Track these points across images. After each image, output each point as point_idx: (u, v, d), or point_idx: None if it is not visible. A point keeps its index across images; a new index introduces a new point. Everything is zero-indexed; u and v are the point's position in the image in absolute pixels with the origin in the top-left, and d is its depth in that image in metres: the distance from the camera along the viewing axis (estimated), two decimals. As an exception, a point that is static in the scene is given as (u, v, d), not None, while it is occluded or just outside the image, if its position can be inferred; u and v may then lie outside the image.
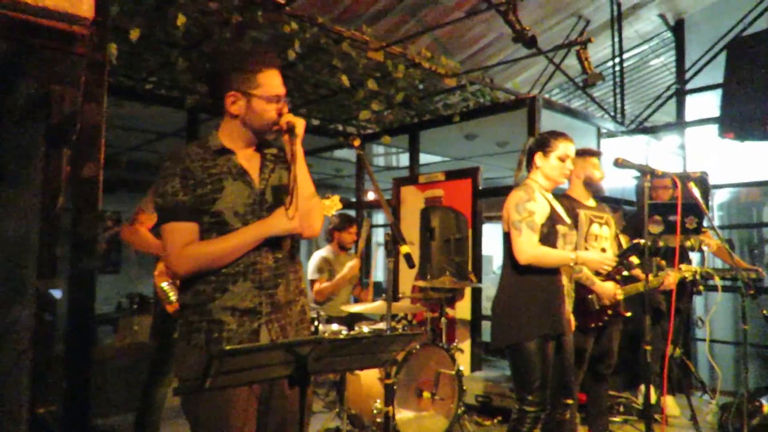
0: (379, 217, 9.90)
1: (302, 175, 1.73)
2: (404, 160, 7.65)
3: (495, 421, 4.00)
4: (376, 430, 3.29)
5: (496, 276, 9.29)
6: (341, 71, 4.32)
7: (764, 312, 3.13)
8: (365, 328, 3.62)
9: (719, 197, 6.62)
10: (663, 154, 6.08)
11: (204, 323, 1.65)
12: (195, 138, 4.99)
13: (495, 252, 8.89)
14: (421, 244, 5.25)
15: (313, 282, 4.40)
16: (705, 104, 5.85)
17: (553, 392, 2.63)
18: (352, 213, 6.26)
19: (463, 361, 4.62)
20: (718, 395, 4.10)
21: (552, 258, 2.53)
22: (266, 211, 1.73)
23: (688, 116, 5.98)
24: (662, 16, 6.37)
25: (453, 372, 3.48)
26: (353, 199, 6.62)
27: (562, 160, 2.63)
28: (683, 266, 3.50)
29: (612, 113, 5.83)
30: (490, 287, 8.07)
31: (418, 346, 3.40)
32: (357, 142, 1.98)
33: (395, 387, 3.22)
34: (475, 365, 4.81)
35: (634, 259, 3.08)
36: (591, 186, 3.17)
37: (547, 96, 5.73)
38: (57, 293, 2.14)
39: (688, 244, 3.73)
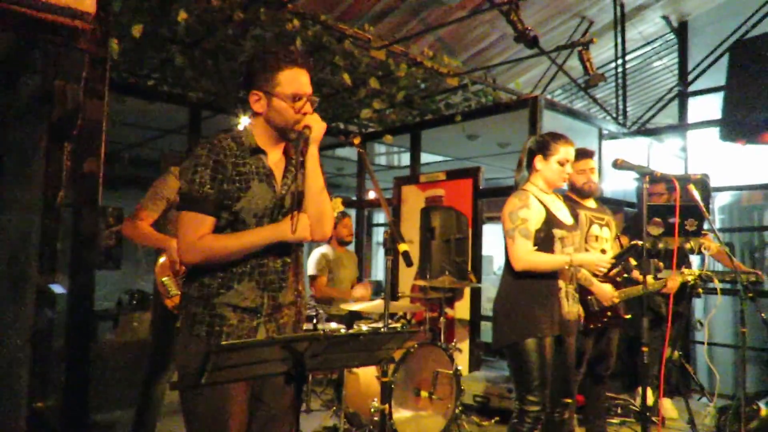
0: (380, 216, 9.91)
1: (314, 180, 1.74)
2: (405, 159, 7.65)
3: (493, 421, 4.00)
4: (374, 428, 3.30)
5: (496, 277, 9.33)
6: (343, 70, 4.33)
7: (763, 315, 3.12)
8: (364, 327, 3.62)
9: (720, 200, 6.60)
10: (664, 156, 6.07)
11: (207, 316, 1.68)
12: (197, 135, 5.01)
13: (495, 252, 8.90)
14: (421, 244, 5.25)
15: (312, 278, 4.41)
16: (707, 107, 5.84)
17: (553, 392, 2.64)
18: (353, 211, 6.27)
19: (462, 361, 4.63)
20: (716, 398, 4.10)
21: (546, 263, 2.56)
22: (282, 216, 1.74)
23: (690, 118, 5.97)
24: (666, 18, 6.37)
25: (451, 372, 3.49)
26: (354, 198, 6.62)
27: (561, 164, 2.64)
28: (685, 270, 3.50)
29: (614, 115, 5.83)
30: (489, 288, 8.07)
31: (416, 346, 3.40)
32: (357, 141, 1.98)
33: (393, 386, 3.23)
34: (474, 365, 4.82)
35: (633, 261, 3.09)
36: (576, 191, 3.18)
37: (549, 97, 5.73)
38: (57, 288, 2.14)
39: (687, 246, 3.72)
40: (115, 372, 4.18)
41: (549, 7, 5.45)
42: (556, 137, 2.68)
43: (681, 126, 5.94)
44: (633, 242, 2.64)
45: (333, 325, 3.81)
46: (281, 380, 1.44)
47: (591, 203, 3.21)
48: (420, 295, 4.73)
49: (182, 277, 2.84)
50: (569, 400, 2.72)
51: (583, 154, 3.17)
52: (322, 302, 4.34)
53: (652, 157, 5.89)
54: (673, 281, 3.29)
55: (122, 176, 6.94)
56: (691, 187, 2.58)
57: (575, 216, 2.85)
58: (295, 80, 1.72)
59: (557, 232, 2.59)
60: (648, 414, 2.58)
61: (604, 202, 3.37)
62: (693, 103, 6.03)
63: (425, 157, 6.60)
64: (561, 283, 2.61)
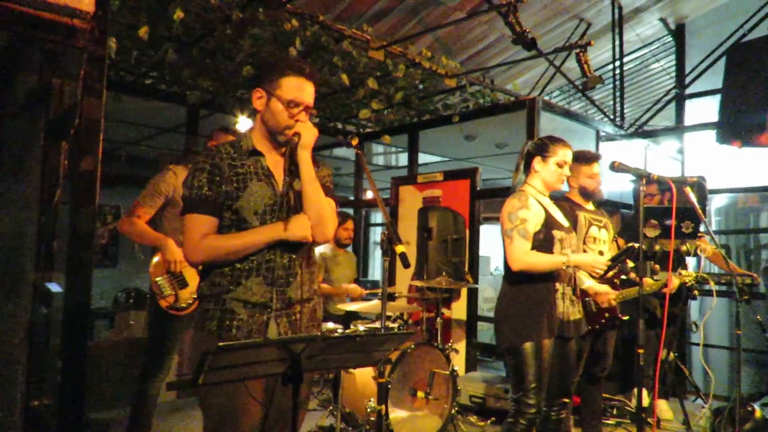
0: (377, 216, 9.91)
1: (310, 185, 1.78)
2: (403, 159, 7.65)
3: (489, 421, 4.01)
4: (370, 428, 3.30)
5: (494, 277, 9.34)
6: (342, 70, 4.33)
7: (758, 317, 3.14)
8: (361, 327, 3.63)
9: (717, 202, 6.63)
10: (662, 158, 6.09)
11: (218, 312, 1.74)
12: (194, 134, 5.01)
13: (492, 253, 8.90)
14: (418, 244, 5.25)
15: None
16: (704, 109, 5.86)
17: (551, 390, 2.65)
18: (351, 211, 6.27)
19: (458, 362, 4.63)
20: (711, 400, 4.11)
21: (544, 263, 2.57)
22: (286, 214, 1.79)
23: (688, 121, 6.00)
24: (663, 21, 6.39)
25: (447, 372, 3.49)
26: (352, 198, 6.63)
27: (560, 166, 2.66)
28: (683, 271, 3.51)
29: (611, 116, 5.84)
30: (486, 288, 8.09)
31: (413, 346, 3.41)
32: (355, 141, 1.98)
33: (389, 386, 3.23)
34: (470, 366, 4.82)
35: (630, 263, 3.09)
36: (585, 194, 3.19)
37: (546, 98, 5.74)
38: (54, 287, 2.14)
39: (683, 248, 3.74)
40: (111, 370, 4.18)
41: (547, 8, 5.47)
42: (555, 140, 2.70)
43: (678, 128, 5.96)
44: (629, 244, 2.65)
45: (330, 324, 3.81)
46: (282, 382, 1.45)
47: (589, 205, 3.22)
48: (417, 296, 4.73)
49: (178, 277, 2.84)
50: (566, 400, 2.74)
51: (592, 157, 3.18)
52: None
53: (648, 159, 5.90)
54: (671, 282, 3.30)
55: (119, 174, 6.92)
56: (688, 190, 2.59)
57: (570, 219, 2.86)
58: (297, 88, 1.79)
59: (557, 234, 2.60)
60: (643, 415, 2.58)
61: (600, 203, 3.38)
62: (690, 105, 6.05)
63: (423, 158, 6.60)
64: (558, 285, 2.62)
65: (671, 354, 4.09)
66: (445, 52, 5.38)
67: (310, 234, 1.77)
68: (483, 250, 5.04)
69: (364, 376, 3.42)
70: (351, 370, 3.43)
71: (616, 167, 2.51)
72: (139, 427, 2.94)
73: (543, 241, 2.58)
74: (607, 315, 3.03)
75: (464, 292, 4.88)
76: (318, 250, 4.48)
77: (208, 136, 3.11)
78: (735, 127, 4.27)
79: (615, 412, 4.17)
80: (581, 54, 4.09)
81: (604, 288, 3.00)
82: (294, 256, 1.80)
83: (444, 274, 4.12)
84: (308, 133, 1.78)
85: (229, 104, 4.97)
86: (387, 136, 5.77)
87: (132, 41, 3.74)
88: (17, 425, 2.14)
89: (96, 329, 6.51)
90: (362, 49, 4.19)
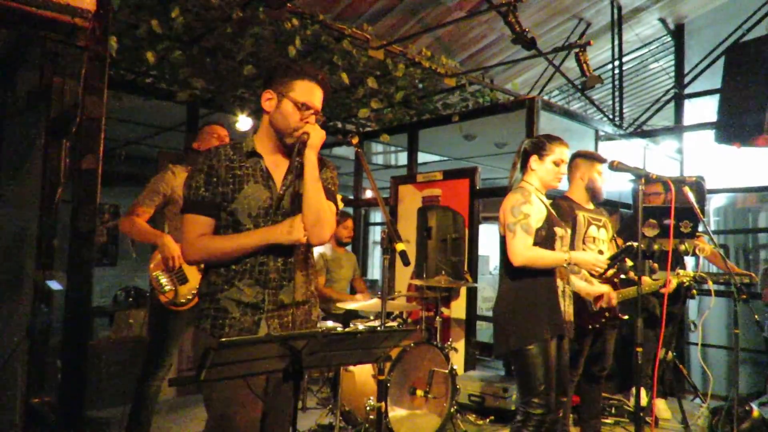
0: (378, 215, 9.92)
1: (312, 185, 1.79)
2: (403, 158, 7.66)
3: (488, 420, 4.02)
4: (369, 427, 3.31)
5: (493, 276, 9.34)
6: (341, 69, 4.34)
7: (756, 317, 3.15)
8: (360, 326, 3.64)
9: (716, 202, 6.65)
10: (660, 158, 6.10)
11: (212, 310, 1.77)
12: (194, 132, 5.01)
13: (491, 252, 8.91)
14: (417, 243, 5.26)
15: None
16: (703, 109, 5.87)
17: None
18: (350, 210, 6.28)
19: (457, 361, 4.64)
20: (709, 399, 4.13)
21: (546, 259, 2.55)
22: (281, 216, 1.79)
23: (686, 121, 6.01)
24: (663, 21, 6.40)
25: (446, 371, 3.50)
26: (351, 197, 6.64)
27: (557, 164, 2.66)
28: (681, 271, 3.52)
29: (611, 116, 5.85)
30: (485, 287, 8.09)
31: (412, 344, 3.42)
32: (355, 140, 1.99)
33: (389, 384, 3.24)
34: (469, 364, 4.83)
35: (629, 262, 3.10)
36: (592, 191, 3.20)
37: (546, 98, 5.75)
38: (55, 285, 2.15)
39: (682, 248, 3.75)
40: (111, 369, 4.19)
41: (546, 8, 5.48)
42: (552, 138, 2.70)
43: (677, 128, 5.97)
44: (628, 243, 2.66)
45: (330, 323, 3.82)
46: (282, 378, 1.46)
47: (589, 205, 3.23)
48: (416, 295, 4.74)
49: (176, 273, 2.85)
50: (564, 399, 2.74)
51: (601, 159, 3.20)
52: (319, 301, 4.36)
53: (647, 159, 5.91)
54: (670, 282, 3.31)
55: (119, 173, 6.93)
56: (687, 189, 2.60)
57: (569, 218, 2.87)
58: (310, 92, 1.83)
59: (558, 231, 2.61)
60: (641, 414, 2.59)
61: (600, 203, 3.39)
62: (689, 105, 6.06)
63: (422, 157, 6.61)
64: (559, 282, 2.62)
65: (670, 353, 4.10)
66: (444, 51, 5.39)
67: (303, 236, 1.76)
68: (482, 250, 5.05)
69: (363, 375, 3.43)
70: (350, 368, 3.44)
71: (615, 167, 2.51)
72: (139, 424, 2.94)
73: (545, 238, 2.57)
74: (607, 314, 3.04)
75: (463, 291, 4.89)
76: (318, 251, 4.49)
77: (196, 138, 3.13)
78: (734, 127, 4.28)
79: (613, 411, 4.18)
80: (581, 54, 4.11)
81: (601, 289, 2.99)
82: (290, 259, 1.80)
83: (443, 273, 4.13)
84: (317, 134, 1.80)
85: (229, 103, 4.98)
86: (386, 135, 5.78)
87: (132, 40, 3.74)
88: (18, 422, 2.15)
89: (95, 328, 6.51)
90: (362, 48, 4.20)
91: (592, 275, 2.89)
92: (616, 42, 5.86)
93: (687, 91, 6.04)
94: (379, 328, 2.98)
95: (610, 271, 2.91)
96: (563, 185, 2.94)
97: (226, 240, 1.76)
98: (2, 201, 2.52)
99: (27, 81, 2.40)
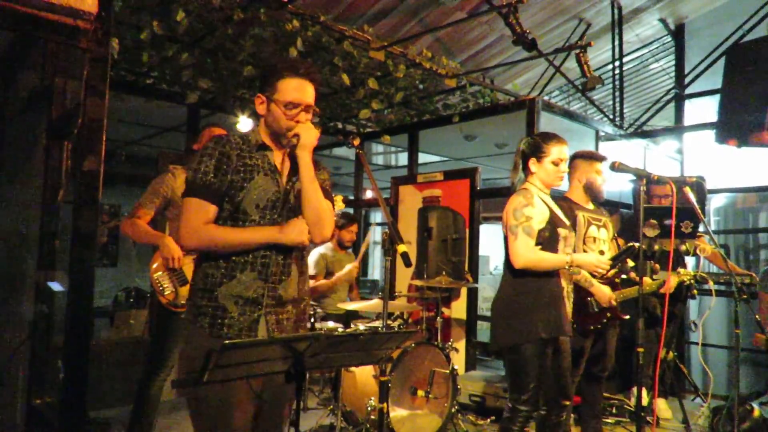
0: (378, 216, 9.92)
1: (309, 186, 1.79)
2: (403, 159, 7.66)
3: (488, 420, 4.03)
4: (370, 427, 3.31)
5: (493, 276, 9.34)
6: (342, 70, 4.34)
7: (757, 317, 3.15)
8: (361, 326, 3.64)
9: (716, 202, 6.64)
10: (661, 158, 6.10)
11: (210, 308, 1.74)
12: (195, 133, 5.02)
13: (492, 252, 8.92)
14: (418, 244, 5.26)
15: (310, 277, 4.43)
16: (703, 109, 5.88)
17: (551, 394, 2.65)
18: (351, 211, 6.28)
19: (458, 361, 4.64)
20: (710, 399, 4.13)
21: (547, 262, 2.56)
22: (288, 211, 1.81)
23: (687, 121, 6.01)
24: (663, 21, 6.40)
25: (447, 371, 3.50)
26: (352, 197, 6.64)
27: (555, 164, 2.65)
28: (682, 270, 3.52)
29: (611, 116, 5.85)
30: (486, 287, 8.09)
31: (413, 345, 3.42)
32: (357, 142, 2.00)
33: (390, 385, 3.24)
34: (470, 365, 4.84)
35: (631, 263, 3.11)
36: (591, 191, 3.19)
37: (546, 98, 5.75)
38: (56, 286, 2.15)
39: (683, 248, 3.75)
40: (112, 369, 4.19)
41: (547, 9, 5.48)
42: (547, 138, 2.69)
43: (677, 128, 5.97)
44: (630, 244, 2.66)
45: (330, 323, 3.83)
46: (281, 378, 1.46)
47: (589, 205, 3.23)
48: (417, 295, 4.75)
49: (177, 274, 2.85)
50: (567, 403, 2.73)
51: (601, 157, 3.20)
52: (317, 301, 4.36)
53: (648, 159, 5.92)
54: (669, 282, 3.31)
55: (120, 174, 6.94)
56: (687, 190, 2.60)
57: (572, 219, 2.87)
58: (294, 89, 1.80)
59: (562, 231, 2.61)
60: (642, 414, 2.59)
61: (600, 203, 3.39)
62: (689, 105, 6.06)
63: (423, 157, 6.61)
64: (563, 283, 2.63)
65: (670, 353, 4.10)
66: (445, 52, 5.39)
67: (307, 239, 1.79)
68: (482, 250, 5.06)
69: (364, 375, 3.43)
70: (351, 368, 3.45)
71: (616, 167, 2.52)
72: (140, 425, 2.94)
73: (548, 239, 2.58)
74: (608, 315, 3.04)
75: (464, 291, 4.89)
76: (319, 251, 4.49)
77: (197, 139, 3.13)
78: (734, 127, 4.28)
79: (614, 411, 4.18)
80: (581, 54, 4.11)
81: (606, 289, 3.00)
82: (289, 255, 1.82)
83: (444, 273, 4.13)
84: (308, 134, 1.78)
85: (229, 104, 4.98)
86: (387, 136, 5.78)
87: (134, 41, 3.74)
88: (19, 424, 2.15)
89: (96, 328, 6.51)
90: (363, 49, 4.20)
91: (593, 276, 2.90)
92: (617, 42, 5.86)
93: (687, 91, 6.04)
94: (380, 329, 2.98)
95: (612, 272, 2.91)
96: (564, 185, 2.94)
97: (233, 232, 1.74)
98: (3, 202, 2.52)
99: (28, 82, 2.40)
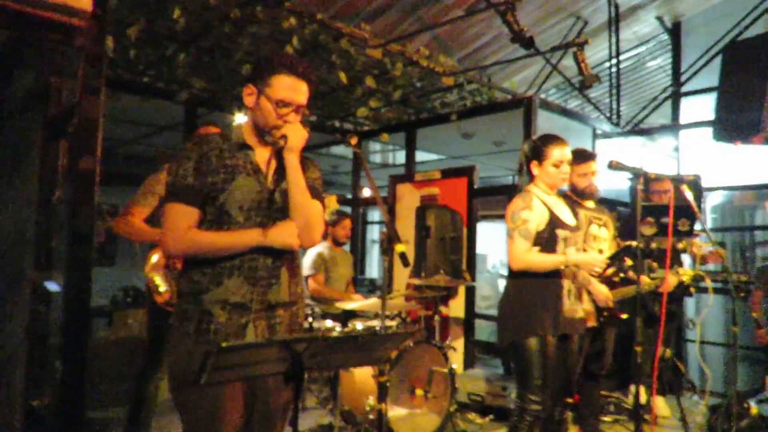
0: (376, 215, 9.92)
1: (296, 189, 1.73)
2: (400, 157, 7.66)
3: (487, 419, 4.03)
4: (369, 427, 3.31)
5: (491, 275, 9.33)
6: (339, 68, 4.33)
7: (754, 314, 3.16)
8: (359, 325, 3.63)
9: (713, 200, 6.66)
10: (657, 156, 6.11)
11: (196, 312, 1.68)
12: (192, 132, 5.00)
13: (490, 251, 8.92)
14: (416, 242, 5.26)
15: (308, 277, 4.42)
16: (700, 107, 5.88)
17: (556, 392, 2.66)
18: (348, 210, 6.28)
19: (457, 360, 4.64)
20: (707, 396, 4.14)
21: (542, 263, 2.59)
22: (275, 212, 1.75)
23: (683, 119, 6.01)
24: (660, 19, 6.40)
25: (446, 370, 3.50)
26: (349, 196, 6.63)
27: (557, 166, 2.66)
28: (680, 269, 3.52)
29: (608, 114, 5.86)
30: (484, 286, 8.09)
31: (411, 344, 3.41)
32: (354, 141, 1.99)
33: (388, 384, 3.24)
34: (468, 363, 4.84)
35: (629, 261, 3.11)
36: (577, 192, 3.19)
37: (543, 96, 5.75)
38: (53, 285, 2.14)
39: (680, 246, 3.75)
40: (109, 369, 4.17)
41: (544, 6, 5.47)
42: (548, 140, 2.69)
43: (674, 126, 5.98)
44: (627, 242, 2.66)
45: (328, 322, 3.82)
46: (277, 378, 1.45)
47: (590, 203, 3.23)
48: (415, 294, 4.75)
49: (175, 273, 2.84)
50: (570, 400, 2.75)
51: (585, 156, 3.18)
52: (317, 301, 4.36)
53: (645, 157, 5.92)
54: (667, 281, 3.31)
55: (116, 173, 6.90)
56: (684, 188, 2.60)
57: (577, 216, 2.87)
58: (288, 88, 1.73)
59: (561, 233, 2.62)
60: (641, 412, 2.60)
61: (599, 201, 3.39)
62: (686, 103, 6.06)
63: (420, 156, 6.61)
64: (565, 282, 2.64)
65: (668, 351, 4.11)
66: (442, 50, 5.38)
67: (296, 242, 1.73)
68: (480, 248, 5.06)
69: (363, 375, 3.43)
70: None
71: (613, 166, 2.52)
72: (138, 426, 2.94)
73: (547, 241, 2.60)
74: (606, 313, 3.05)
75: (462, 289, 4.89)
76: (316, 250, 4.48)
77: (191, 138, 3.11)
78: (731, 124, 4.29)
79: (612, 409, 4.19)
80: (578, 52, 4.10)
81: (604, 288, 3.00)
82: (279, 258, 1.75)
83: (442, 272, 4.13)
84: (296, 136, 1.71)
85: (227, 102, 4.97)
86: (385, 134, 5.78)
87: (130, 40, 3.73)
88: (17, 425, 2.14)
89: (93, 328, 6.49)
90: (360, 47, 4.19)
91: (591, 275, 2.90)
92: (614, 40, 5.86)
93: (684, 89, 6.04)
94: (378, 329, 2.98)
95: (610, 270, 2.92)
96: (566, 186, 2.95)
97: (218, 236, 1.68)
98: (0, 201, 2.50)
99: (24, 81, 2.38)
